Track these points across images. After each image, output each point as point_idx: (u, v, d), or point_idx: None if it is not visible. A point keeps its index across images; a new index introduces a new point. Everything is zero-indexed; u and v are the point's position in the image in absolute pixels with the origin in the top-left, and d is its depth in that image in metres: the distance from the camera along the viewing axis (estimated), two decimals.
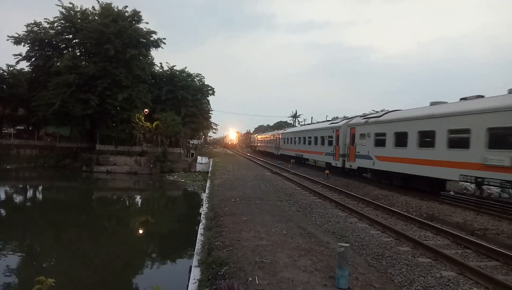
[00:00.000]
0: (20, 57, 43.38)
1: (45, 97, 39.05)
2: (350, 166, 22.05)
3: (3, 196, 26.27)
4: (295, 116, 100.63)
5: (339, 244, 5.73)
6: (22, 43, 42.31)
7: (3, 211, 21.10)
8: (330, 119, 36.83)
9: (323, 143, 27.13)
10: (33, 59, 43.23)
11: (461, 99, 14.71)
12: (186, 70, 53.96)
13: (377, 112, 21.85)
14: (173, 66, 53.06)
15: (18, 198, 26.36)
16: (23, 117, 48.77)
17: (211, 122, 63.80)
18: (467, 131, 12.78)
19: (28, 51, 42.96)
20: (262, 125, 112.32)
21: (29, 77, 44.58)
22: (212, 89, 57.76)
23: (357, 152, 21.01)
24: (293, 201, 14.64)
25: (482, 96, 13.73)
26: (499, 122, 11.62)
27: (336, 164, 24.20)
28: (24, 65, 45.46)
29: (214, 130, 70.91)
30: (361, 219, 11.59)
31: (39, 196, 28.31)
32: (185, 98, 49.73)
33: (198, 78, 56.18)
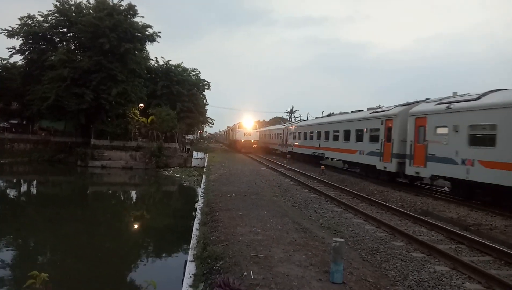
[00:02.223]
0: (14, 51, 42.97)
1: (39, 91, 38.70)
2: (287, 151, 37.86)
3: None
4: (291, 111, 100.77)
5: (334, 239, 5.75)
6: (16, 36, 41.82)
7: None
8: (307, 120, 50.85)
9: (278, 138, 43.82)
10: (27, 53, 42.79)
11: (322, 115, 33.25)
12: (182, 64, 53.70)
13: (302, 120, 43.20)
14: (169, 60, 52.70)
15: (12, 193, 26.20)
16: (17, 111, 48.35)
17: (207, 117, 63.63)
18: (312, 132, 29.42)
19: (21, 44, 42.49)
20: (258, 120, 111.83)
21: (23, 70, 44.11)
22: (208, 83, 57.45)
23: (288, 143, 37.99)
24: (289, 196, 14.68)
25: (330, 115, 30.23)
26: (317, 128, 28.40)
27: (284, 150, 39.53)
28: (17, 59, 45.04)
29: (210, 125, 70.88)
30: (356, 215, 11.65)
31: (34, 190, 28.15)
32: (181, 93, 49.45)
33: (194, 73, 55.89)
